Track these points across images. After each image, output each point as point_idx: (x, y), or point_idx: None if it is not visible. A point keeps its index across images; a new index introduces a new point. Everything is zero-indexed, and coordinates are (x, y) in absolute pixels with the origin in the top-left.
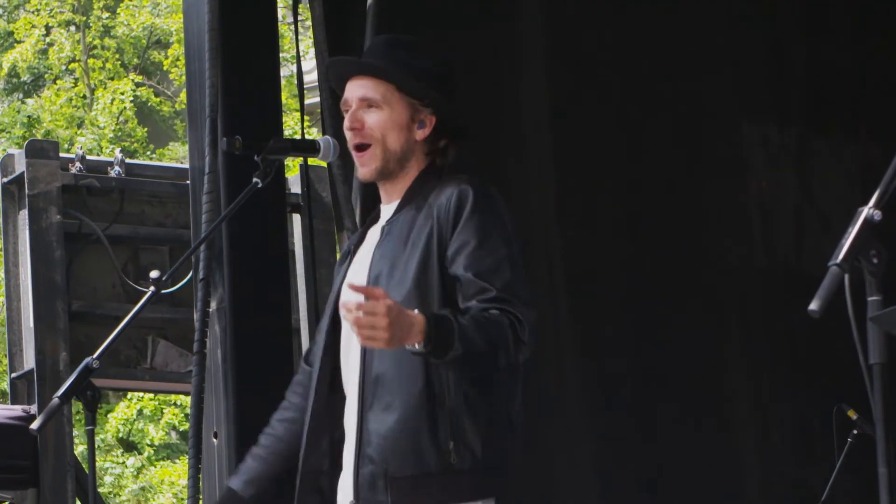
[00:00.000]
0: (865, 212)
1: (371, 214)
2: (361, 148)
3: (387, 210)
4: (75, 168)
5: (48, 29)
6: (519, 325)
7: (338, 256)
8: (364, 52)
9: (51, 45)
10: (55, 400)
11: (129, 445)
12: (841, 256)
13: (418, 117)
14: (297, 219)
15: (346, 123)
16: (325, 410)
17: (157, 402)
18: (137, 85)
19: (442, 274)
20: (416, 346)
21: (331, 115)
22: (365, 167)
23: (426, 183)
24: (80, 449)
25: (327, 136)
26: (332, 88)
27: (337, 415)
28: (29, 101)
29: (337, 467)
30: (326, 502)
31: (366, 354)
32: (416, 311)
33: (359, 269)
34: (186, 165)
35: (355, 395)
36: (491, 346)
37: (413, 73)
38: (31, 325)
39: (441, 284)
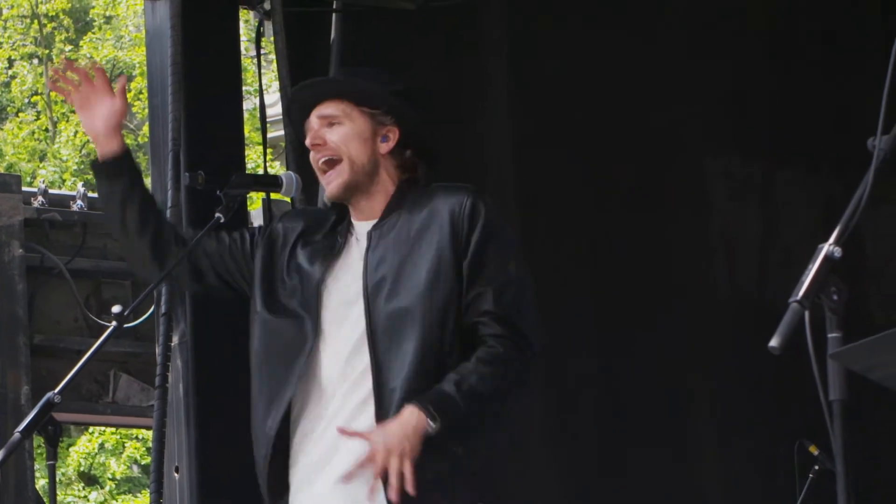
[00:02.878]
0: (826, 249)
1: (334, 227)
2: (329, 164)
3: (362, 226)
4: (38, 202)
5: (10, 62)
6: (523, 365)
7: None
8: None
9: (13, 77)
10: (16, 435)
11: (90, 479)
12: (801, 293)
13: (381, 131)
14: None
15: (308, 141)
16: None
17: (118, 436)
18: None
19: (457, 277)
20: (430, 427)
21: (294, 150)
22: (332, 182)
23: (408, 192)
24: (41, 483)
25: (290, 172)
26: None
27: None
28: None
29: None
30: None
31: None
32: (404, 408)
33: (348, 278)
34: None
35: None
36: (497, 390)
37: (369, 87)
38: None
39: (458, 288)
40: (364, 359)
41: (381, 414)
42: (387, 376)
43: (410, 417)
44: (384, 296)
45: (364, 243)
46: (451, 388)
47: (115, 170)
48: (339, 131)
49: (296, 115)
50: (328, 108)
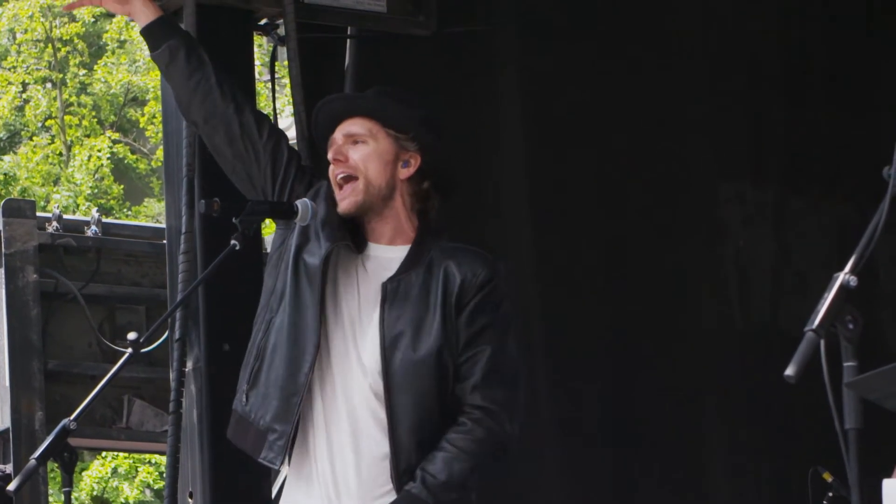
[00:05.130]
0: (841, 277)
1: (340, 237)
2: (346, 180)
3: (377, 249)
4: (52, 227)
5: (24, 85)
6: (500, 443)
7: None
8: (330, 99)
9: (27, 101)
10: (32, 461)
11: (103, 503)
12: (817, 322)
13: (403, 156)
14: None
15: (329, 155)
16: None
17: (131, 461)
18: (114, 142)
19: (457, 335)
20: None
21: None
22: (346, 200)
23: (427, 243)
24: None
25: (305, 199)
26: (310, 148)
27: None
28: (5, 157)
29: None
30: None
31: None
32: None
33: (352, 316)
34: (163, 224)
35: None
36: (468, 470)
37: (398, 110)
38: (7, 383)
39: (457, 349)
40: (372, 405)
41: (396, 461)
42: (400, 429)
43: None
44: (401, 350)
45: (380, 294)
46: (421, 491)
47: (155, 33)
48: (362, 150)
49: (321, 129)
50: (354, 126)
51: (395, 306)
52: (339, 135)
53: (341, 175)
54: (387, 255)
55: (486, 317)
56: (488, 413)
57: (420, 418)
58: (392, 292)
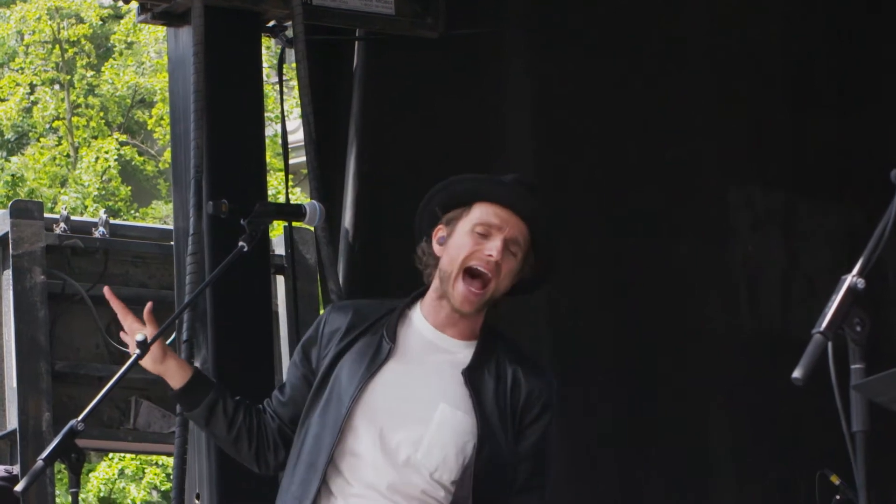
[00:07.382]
0: (849, 280)
1: (385, 317)
2: (483, 281)
3: (428, 329)
4: (59, 228)
5: (32, 87)
6: None
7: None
8: (512, 183)
9: (35, 103)
10: (39, 462)
11: None
12: (824, 325)
13: (522, 271)
14: (280, 280)
15: (486, 253)
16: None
17: (138, 462)
18: (121, 144)
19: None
20: None
21: (316, 178)
22: (476, 302)
23: (491, 335)
24: None
25: (313, 201)
26: (318, 148)
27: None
28: (13, 159)
29: None
30: None
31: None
32: None
33: (408, 386)
34: (170, 226)
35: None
36: None
37: (549, 226)
38: (14, 384)
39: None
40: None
41: None
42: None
43: None
44: (489, 444)
45: (420, 350)
46: None
47: (189, 399)
48: (510, 266)
49: (457, 199)
50: (520, 233)
51: (482, 394)
52: (504, 234)
53: (478, 289)
54: (460, 351)
55: (543, 443)
56: None
57: None
58: (474, 379)
